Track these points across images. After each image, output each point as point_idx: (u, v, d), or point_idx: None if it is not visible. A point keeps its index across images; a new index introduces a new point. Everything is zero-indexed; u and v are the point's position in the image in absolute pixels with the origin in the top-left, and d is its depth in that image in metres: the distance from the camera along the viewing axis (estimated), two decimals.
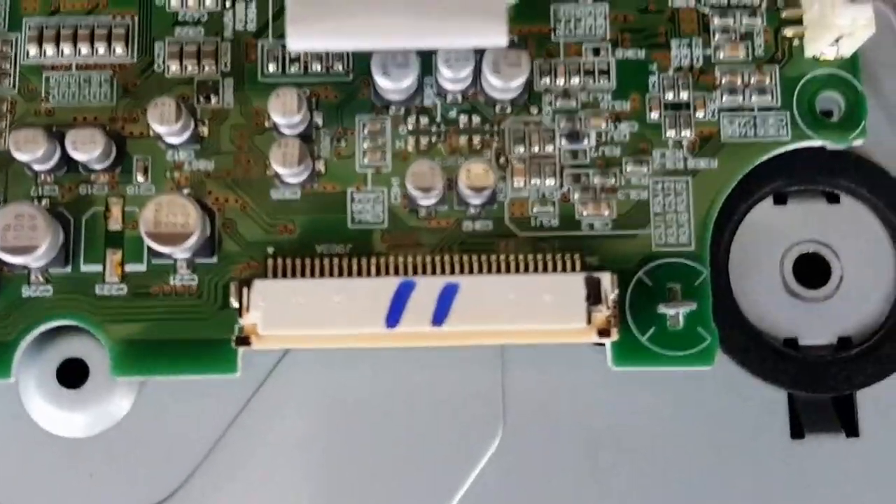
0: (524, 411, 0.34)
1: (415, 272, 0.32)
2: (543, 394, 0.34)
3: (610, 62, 0.34)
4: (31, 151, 0.32)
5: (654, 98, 0.34)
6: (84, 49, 0.34)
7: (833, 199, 0.35)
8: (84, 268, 0.33)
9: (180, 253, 0.32)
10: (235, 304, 0.31)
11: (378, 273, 0.32)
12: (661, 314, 0.33)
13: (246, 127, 0.34)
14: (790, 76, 0.34)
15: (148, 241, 0.31)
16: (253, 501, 0.34)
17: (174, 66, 0.34)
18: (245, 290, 0.31)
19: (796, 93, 0.34)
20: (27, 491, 0.34)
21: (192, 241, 0.31)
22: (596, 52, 0.34)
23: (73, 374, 0.34)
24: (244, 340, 0.31)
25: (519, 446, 0.34)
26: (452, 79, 0.33)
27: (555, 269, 0.32)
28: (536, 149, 0.34)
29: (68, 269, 0.33)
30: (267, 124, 0.33)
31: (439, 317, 0.31)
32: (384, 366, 0.34)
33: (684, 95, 0.34)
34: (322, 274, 0.32)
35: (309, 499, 0.34)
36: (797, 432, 0.34)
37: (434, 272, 0.32)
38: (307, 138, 0.34)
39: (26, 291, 0.33)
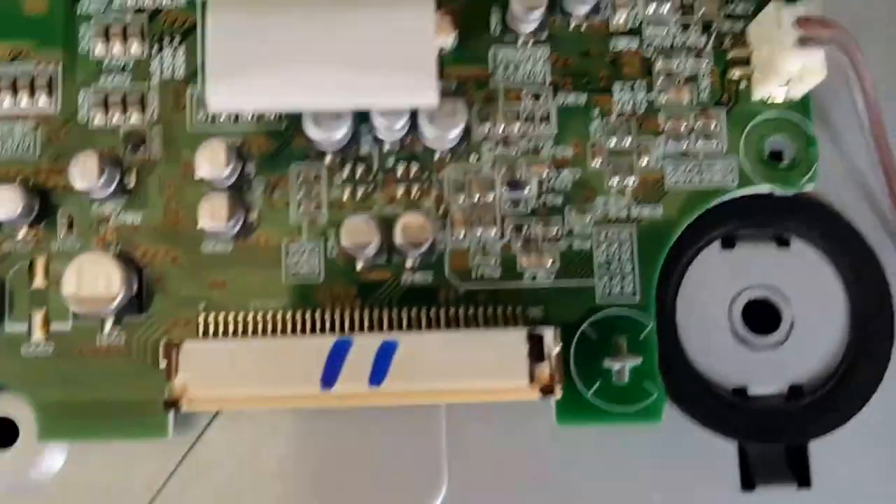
0: (468, 467, 0.34)
1: (352, 327, 0.32)
2: (488, 448, 0.34)
3: (550, 108, 0.34)
4: None
5: (596, 144, 0.33)
6: (7, 99, 0.33)
7: (783, 242, 0.35)
8: (9, 327, 0.32)
9: (105, 313, 0.31)
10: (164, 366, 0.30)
11: (314, 328, 0.32)
12: (607, 368, 0.32)
13: (175, 178, 0.33)
14: (737, 120, 0.34)
15: (70, 304, 0.30)
16: None
17: (99, 117, 0.33)
18: (174, 352, 0.30)
19: (744, 137, 0.34)
20: None
21: (116, 302, 0.30)
22: (536, 97, 0.34)
23: (2, 434, 0.33)
24: (173, 404, 0.30)
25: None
26: (388, 128, 0.32)
27: (496, 323, 0.32)
28: (476, 198, 0.33)
29: None
30: (197, 174, 0.32)
31: (377, 377, 0.31)
32: (321, 424, 0.33)
33: (627, 141, 0.33)
34: (255, 330, 0.32)
35: None
36: (748, 483, 0.34)
37: (372, 327, 0.32)
38: (239, 189, 0.33)
39: None
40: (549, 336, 0.31)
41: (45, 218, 0.33)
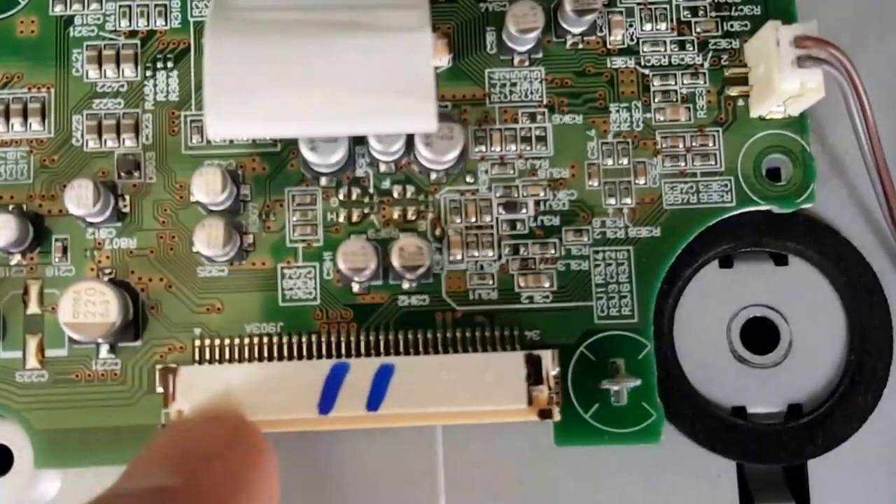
0: (465, 486, 0.34)
1: (348, 351, 0.32)
2: (485, 468, 0.34)
3: (547, 128, 0.34)
4: None
5: (592, 165, 0.33)
6: None
7: (781, 260, 0.35)
8: (3, 354, 0.32)
9: (102, 340, 0.31)
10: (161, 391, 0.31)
11: (310, 352, 0.32)
12: (605, 390, 0.32)
13: (170, 202, 0.33)
14: (735, 139, 0.34)
15: (66, 331, 0.30)
16: None
17: (93, 141, 0.33)
18: (171, 378, 0.30)
19: (741, 156, 0.34)
20: None
21: (113, 329, 0.30)
22: (532, 117, 0.34)
23: None
24: None
25: None
26: (384, 152, 0.32)
27: (494, 345, 0.32)
28: (473, 219, 0.33)
29: None
30: (192, 198, 0.32)
31: (374, 401, 0.31)
32: (318, 443, 0.33)
33: (624, 161, 0.33)
34: (252, 355, 0.32)
35: None
36: (747, 503, 0.34)
37: (369, 350, 0.32)
38: (234, 213, 0.33)
39: None
40: (548, 359, 0.31)
41: (39, 244, 0.33)
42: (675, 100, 0.34)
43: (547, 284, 0.33)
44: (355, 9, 0.30)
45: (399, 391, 0.31)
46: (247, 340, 0.32)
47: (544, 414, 0.31)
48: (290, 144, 0.33)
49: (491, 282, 0.33)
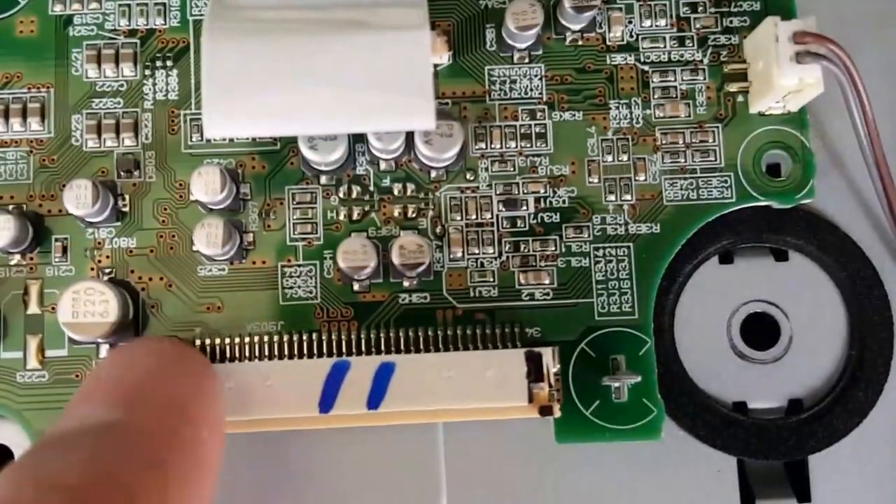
0: (467, 483, 0.33)
1: (349, 349, 0.31)
2: (487, 465, 0.33)
3: (547, 125, 0.33)
4: None
5: (592, 161, 0.33)
6: None
7: (781, 256, 0.34)
8: (4, 354, 0.32)
9: (102, 340, 0.30)
10: None
11: (311, 350, 0.31)
12: (606, 386, 0.32)
13: (169, 201, 0.32)
14: (734, 135, 0.33)
15: (66, 331, 0.30)
16: None
17: (92, 140, 0.32)
18: None
19: (741, 152, 0.33)
20: None
21: (112, 329, 0.30)
22: (532, 114, 0.33)
23: None
24: None
25: None
26: (383, 150, 0.31)
27: (494, 343, 0.31)
28: (474, 217, 0.32)
29: None
30: (191, 197, 0.32)
31: (375, 399, 0.30)
32: (319, 442, 0.33)
33: (624, 158, 0.33)
34: (252, 354, 0.31)
35: None
36: (748, 499, 0.33)
37: (370, 349, 0.31)
38: (234, 211, 0.32)
39: None
40: (548, 355, 0.30)
41: (39, 244, 0.32)
42: (674, 96, 0.33)
43: (547, 281, 0.32)
44: (353, 7, 0.29)
45: (400, 389, 0.30)
46: (247, 339, 0.31)
47: (545, 411, 0.30)
48: (290, 143, 0.32)
49: (491, 279, 0.32)
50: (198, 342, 0.31)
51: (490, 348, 0.31)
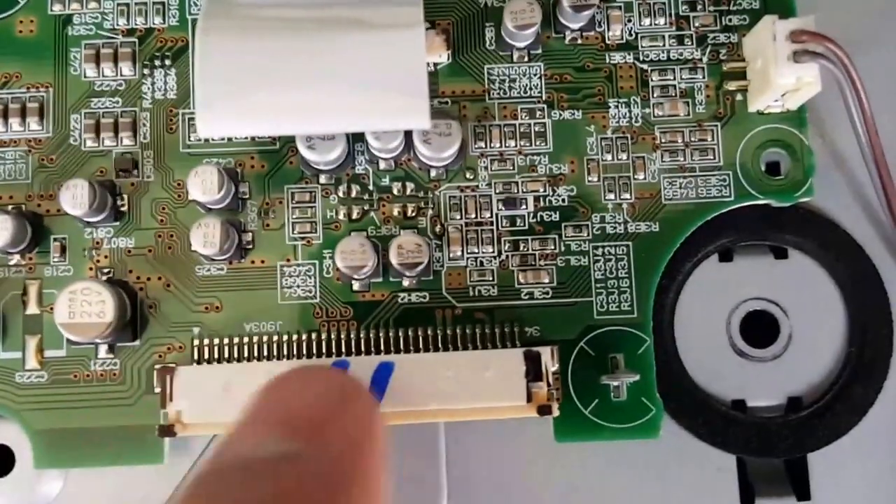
0: (468, 482, 0.32)
1: (348, 348, 0.30)
2: (487, 464, 0.32)
3: (546, 124, 0.32)
4: None
5: (592, 160, 0.32)
6: None
7: (781, 254, 0.33)
8: (3, 354, 0.31)
9: (99, 340, 0.29)
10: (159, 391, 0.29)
11: (310, 350, 0.30)
12: (605, 385, 0.31)
13: (168, 201, 0.31)
14: (733, 133, 0.32)
15: (63, 332, 0.29)
16: None
17: (91, 140, 0.31)
18: (168, 378, 0.29)
19: (739, 151, 0.32)
20: None
21: (109, 329, 0.29)
22: (531, 113, 0.32)
23: None
24: (168, 430, 0.29)
25: None
26: (382, 149, 0.30)
27: (494, 342, 0.30)
28: (473, 216, 0.32)
29: None
30: (189, 197, 0.31)
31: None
32: None
33: (623, 157, 0.32)
34: (251, 353, 0.30)
35: None
36: (747, 497, 0.33)
37: (369, 348, 0.30)
38: (233, 211, 0.31)
39: None
40: (547, 355, 0.29)
41: (38, 243, 0.31)
42: (673, 95, 0.32)
43: (547, 280, 0.31)
44: (349, 6, 0.28)
45: (398, 389, 0.29)
46: (246, 339, 0.30)
47: (543, 410, 0.29)
48: (289, 142, 0.32)
49: (491, 278, 0.31)
50: (196, 342, 0.30)
51: (489, 348, 0.30)
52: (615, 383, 0.31)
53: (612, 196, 0.32)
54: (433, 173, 0.32)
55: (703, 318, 0.33)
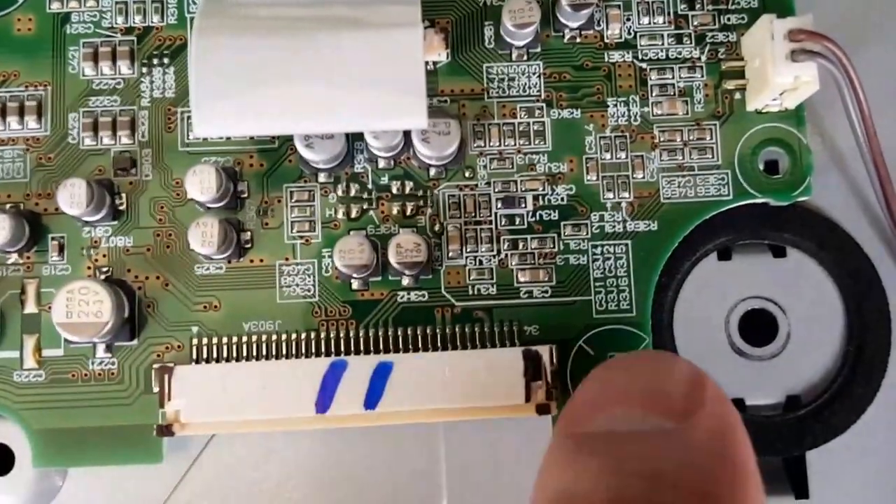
0: (467, 482, 0.31)
1: (347, 348, 0.30)
2: (486, 464, 0.32)
3: (545, 122, 0.31)
4: None
5: (591, 159, 0.31)
6: None
7: (779, 252, 0.33)
8: (1, 353, 0.30)
9: (97, 339, 0.29)
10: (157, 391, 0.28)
11: (309, 349, 0.30)
12: None
13: (166, 199, 0.31)
14: (732, 132, 0.31)
15: (60, 332, 0.28)
16: None
17: (89, 138, 0.31)
18: (166, 378, 0.28)
19: (738, 150, 0.31)
20: None
21: (107, 329, 0.28)
22: (530, 112, 0.31)
23: None
24: (166, 430, 0.28)
25: None
26: (381, 148, 0.30)
27: (493, 341, 0.30)
28: (472, 214, 0.31)
29: None
30: (187, 196, 0.30)
31: (372, 399, 0.29)
32: (318, 443, 0.31)
33: (622, 155, 0.31)
34: (249, 353, 0.30)
35: None
36: None
37: (368, 347, 0.30)
38: (232, 210, 0.30)
39: None
40: (546, 354, 0.29)
41: (36, 242, 0.30)
42: (672, 93, 0.32)
43: (546, 279, 0.31)
44: (346, 5, 0.27)
45: (397, 388, 0.29)
46: (245, 338, 0.30)
47: (542, 409, 0.29)
48: (288, 141, 0.31)
49: (490, 277, 0.31)
50: (195, 342, 0.30)
51: (488, 347, 0.30)
52: None
53: (610, 195, 0.31)
54: (432, 172, 0.31)
55: (701, 316, 0.32)
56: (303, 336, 0.30)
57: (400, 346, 0.30)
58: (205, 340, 0.30)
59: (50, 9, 0.32)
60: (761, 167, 0.32)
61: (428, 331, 0.30)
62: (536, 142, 0.31)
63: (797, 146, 0.32)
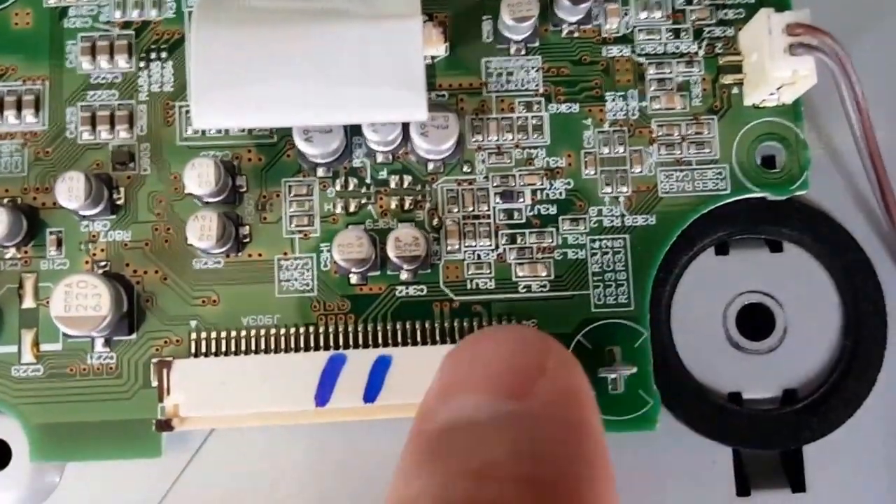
0: None
1: (346, 342, 0.29)
2: None
3: (543, 117, 0.31)
4: None
5: (589, 154, 0.31)
6: None
7: (776, 247, 0.32)
8: None
9: (95, 333, 0.28)
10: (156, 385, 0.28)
11: (308, 344, 0.29)
12: (602, 378, 0.30)
13: (164, 194, 0.30)
14: (729, 127, 0.31)
15: (59, 325, 0.28)
16: None
17: (87, 133, 0.30)
18: (165, 372, 0.28)
19: (735, 144, 0.31)
20: None
21: (105, 323, 0.28)
22: (528, 106, 0.31)
23: None
24: (166, 425, 0.28)
25: None
26: (380, 142, 0.29)
27: None
28: (471, 209, 0.30)
29: None
30: (186, 190, 0.30)
31: (371, 393, 0.28)
32: (318, 437, 0.31)
33: (620, 150, 0.31)
34: (248, 347, 0.29)
35: None
36: (743, 489, 0.31)
37: (367, 341, 0.29)
38: (230, 204, 0.30)
39: None
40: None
41: (34, 237, 0.30)
42: (670, 88, 0.31)
43: (544, 273, 0.30)
44: None
45: (396, 382, 0.28)
46: (243, 333, 0.29)
47: None
48: (287, 135, 0.30)
49: (488, 271, 0.30)
50: (193, 336, 0.29)
51: None
52: (612, 376, 0.30)
53: (609, 189, 0.31)
54: (431, 166, 0.30)
55: (699, 310, 0.32)
56: (301, 330, 0.29)
57: (398, 341, 0.29)
58: (203, 335, 0.29)
59: (47, 3, 0.31)
60: (758, 162, 0.31)
61: (426, 325, 0.30)
62: (535, 136, 0.31)
63: (794, 141, 0.31)
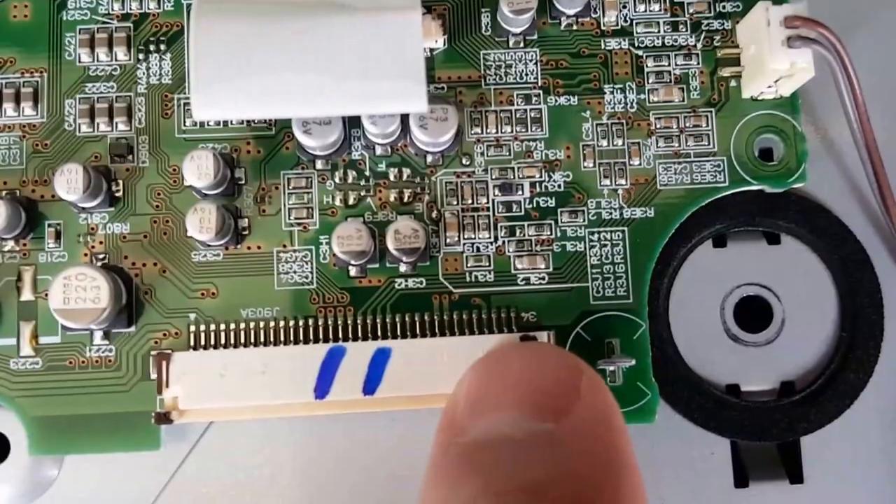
0: None
1: (345, 334, 0.29)
2: None
3: (542, 109, 0.30)
4: None
5: (587, 146, 0.30)
6: None
7: (773, 239, 0.32)
8: None
9: (94, 326, 0.28)
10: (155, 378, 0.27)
11: (307, 336, 0.29)
12: (601, 370, 0.30)
13: (163, 186, 0.30)
14: (727, 119, 0.31)
15: (58, 318, 0.27)
16: None
17: (85, 125, 0.30)
18: (164, 364, 0.27)
19: (733, 137, 0.31)
20: None
21: (104, 315, 0.27)
22: (527, 99, 0.30)
23: None
24: (164, 417, 0.27)
25: None
26: (379, 135, 0.29)
27: (490, 327, 0.29)
28: (469, 201, 0.30)
29: None
30: (185, 182, 0.29)
31: (371, 385, 0.28)
32: (317, 430, 0.30)
33: (619, 142, 0.30)
34: (247, 340, 0.29)
35: None
36: (741, 480, 0.31)
37: (366, 334, 0.29)
38: (229, 196, 0.30)
39: None
40: (543, 340, 0.28)
41: (32, 229, 0.30)
42: (668, 81, 0.31)
43: (543, 266, 0.30)
44: None
45: (396, 375, 0.28)
46: (242, 325, 0.29)
47: None
48: (286, 127, 0.30)
49: (487, 264, 0.30)
50: (192, 328, 0.29)
51: (486, 333, 0.29)
52: (611, 368, 0.30)
53: (607, 182, 0.30)
54: (429, 159, 0.30)
55: (697, 303, 0.32)
56: (300, 323, 0.29)
57: (398, 333, 0.29)
58: (202, 327, 0.29)
59: None
60: (756, 154, 0.31)
61: (426, 317, 0.29)
62: (533, 129, 0.30)
63: (792, 133, 0.31)
